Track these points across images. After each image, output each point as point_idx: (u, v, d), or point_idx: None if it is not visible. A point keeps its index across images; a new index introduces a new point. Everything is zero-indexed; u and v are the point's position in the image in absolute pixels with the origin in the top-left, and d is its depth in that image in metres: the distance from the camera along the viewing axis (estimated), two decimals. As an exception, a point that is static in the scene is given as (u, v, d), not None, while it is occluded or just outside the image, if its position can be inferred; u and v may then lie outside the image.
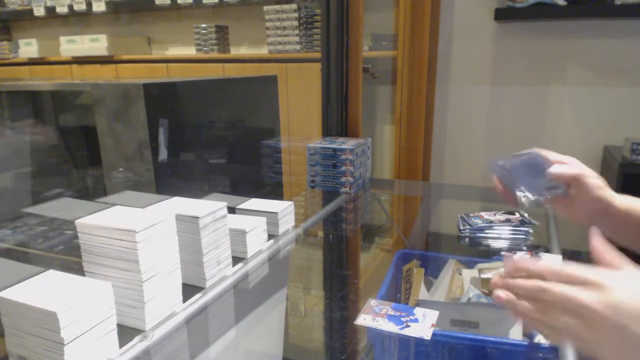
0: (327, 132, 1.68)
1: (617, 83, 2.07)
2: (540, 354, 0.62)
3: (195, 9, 3.04)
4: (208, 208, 0.77)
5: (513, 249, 1.03)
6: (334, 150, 1.42)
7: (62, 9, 3.17)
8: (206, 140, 1.16)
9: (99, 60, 3.01)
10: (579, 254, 1.09)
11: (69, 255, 0.99)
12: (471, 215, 1.19)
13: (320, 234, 1.21)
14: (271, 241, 1.00)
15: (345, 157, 1.41)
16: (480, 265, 0.86)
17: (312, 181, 1.48)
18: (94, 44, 2.98)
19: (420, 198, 1.63)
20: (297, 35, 2.51)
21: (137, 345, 0.63)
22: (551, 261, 0.57)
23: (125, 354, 0.61)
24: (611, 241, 0.55)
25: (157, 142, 0.98)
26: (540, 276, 0.47)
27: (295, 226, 1.09)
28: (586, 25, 2.05)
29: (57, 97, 1.36)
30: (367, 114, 2.47)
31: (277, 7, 2.52)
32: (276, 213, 1.02)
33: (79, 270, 0.66)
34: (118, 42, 3.04)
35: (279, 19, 2.52)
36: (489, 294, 0.79)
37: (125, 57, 2.99)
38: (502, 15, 2.08)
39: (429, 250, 1.10)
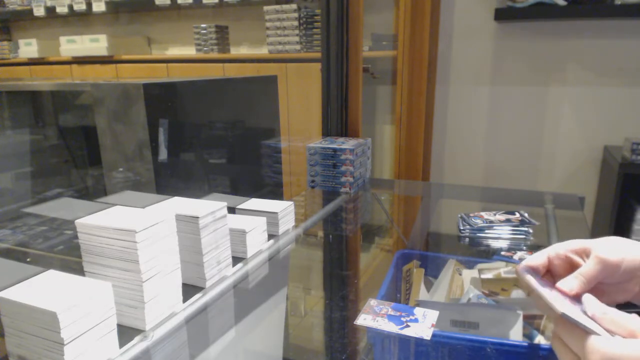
0: (327, 132, 1.68)
1: (617, 83, 2.07)
2: (541, 355, 0.62)
3: (195, 9, 3.04)
4: (208, 208, 0.77)
5: (513, 249, 1.03)
6: (334, 150, 1.42)
7: (62, 9, 3.17)
8: (206, 140, 1.16)
9: (99, 60, 3.01)
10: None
11: (69, 255, 0.99)
12: (471, 215, 1.19)
13: (320, 234, 1.21)
14: (271, 241, 1.00)
15: (345, 157, 1.41)
16: (480, 266, 0.86)
17: (312, 181, 1.47)
18: (94, 44, 2.98)
19: (420, 198, 1.63)
20: (297, 35, 2.51)
21: (137, 345, 0.63)
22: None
23: (125, 354, 0.61)
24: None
25: (157, 142, 0.98)
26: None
27: (295, 226, 1.09)
28: (586, 25, 2.05)
29: (57, 97, 1.36)
30: (367, 114, 2.47)
31: (277, 7, 2.52)
32: (276, 213, 1.02)
33: (79, 270, 0.66)
34: (118, 42, 3.04)
35: (279, 19, 2.52)
36: (489, 294, 0.79)
37: (125, 57, 2.99)
38: (502, 15, 2.08)
39: (429, 250, 1.10)
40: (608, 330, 0.46)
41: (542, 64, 2.16)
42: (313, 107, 2.37)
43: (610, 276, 0.55)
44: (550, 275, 0.60)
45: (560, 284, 0.55)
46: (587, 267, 0.55)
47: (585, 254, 0.57)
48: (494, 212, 1.19)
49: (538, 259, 0.59)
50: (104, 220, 0.64)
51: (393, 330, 0.63)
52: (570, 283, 0.54)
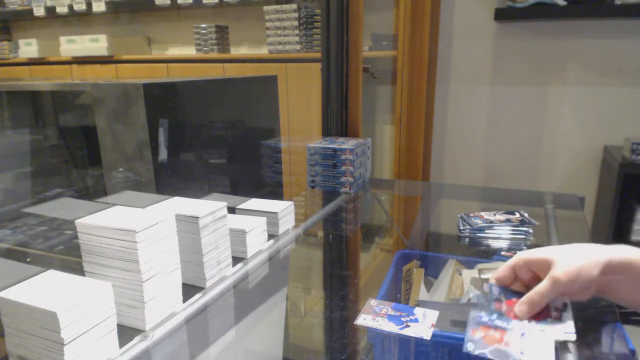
0: (327, 132, 1.68)
1: (617, 83, 2.07)
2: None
3: (195, 9, 3.04)
4: (208, 208, 0.77)
5: (513, 249, 1.03)
6: (334, 150, 1.42)
7: (62, 9, 3.17)
8: (206, 140, 1.16)
9: (99, 60, 3.01)
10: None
11: (69, 255, 0.99)
12: (471, 215, 1.19)
13: (320, 234, 1.21)
14: (271, 241, 1.00)
15: (345, 157, 1.41)
16: (480, 265, 0.86)
17: (312, 181, 1.47)
18: (94, 44, 2.98)
19: (420, 198, 1.62)
20: (297, 35, 2.51)
21: (137, 345, 0.63)
22: None
23: (125, 354, 0.61)
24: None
25: (157, 142, 0.98)
26: None
27: (295, 226, 1.09)
28: (586, 25, 2.05)
29: (57, 97, 1.36)
30: (367, 114, 2.47)
31: (277, 7, 2.52)
32: (276, 213, 1.02)
33: (79, 270, 0.66)
34: (118, 42, 3.04)
35: (279, 19, 2.52)
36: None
37: (125, 57, 2.99)
38: (502, 15, 2.08)
39: (429, 250, 1.10)
40: None
41: (542, 64, 2.16)
42: (313, 107, 2.37)
43: (566, 290, 0.59)
44: (519, 282, 0.65)
45: (516, 308, 0.61)
46: (542, 287, 0.59)
47: (546, 265, 0.61)
48: (494, 212, 1.19)
49: (502, 272, 0.65)
50: (104, 220, 0.64)
51: (393, 330, 0.63)
52: (522, 309, 0.60)
